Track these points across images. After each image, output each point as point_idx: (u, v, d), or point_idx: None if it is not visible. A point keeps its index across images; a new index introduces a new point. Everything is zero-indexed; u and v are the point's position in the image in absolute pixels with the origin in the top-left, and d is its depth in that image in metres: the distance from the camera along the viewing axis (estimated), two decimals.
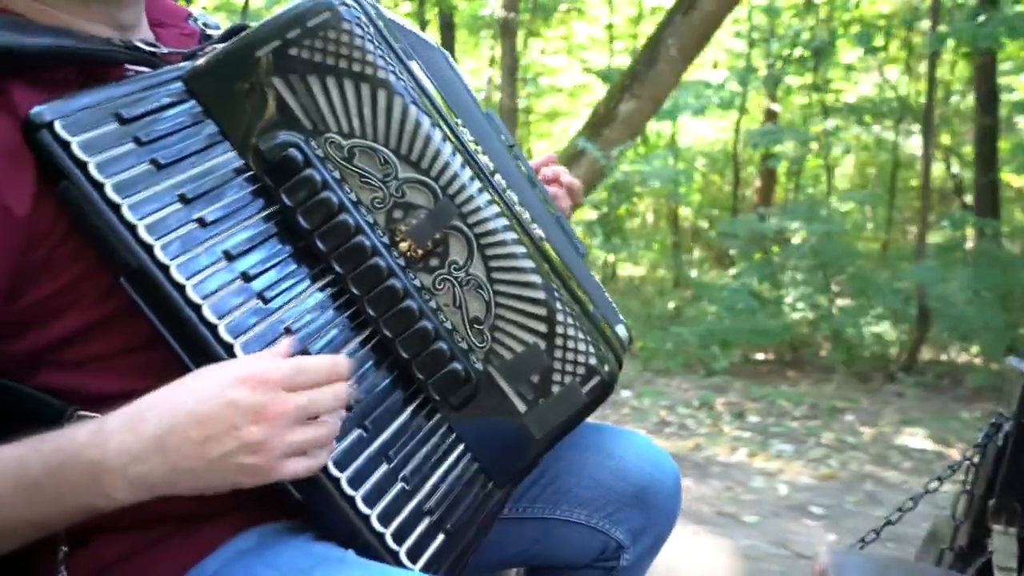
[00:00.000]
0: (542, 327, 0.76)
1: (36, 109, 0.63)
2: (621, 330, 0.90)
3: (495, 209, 0.77)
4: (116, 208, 0.63)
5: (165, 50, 0.76)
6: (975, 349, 5.01)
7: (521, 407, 0.77)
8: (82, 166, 0.63)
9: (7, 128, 0.64)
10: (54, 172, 0.63)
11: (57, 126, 0.63)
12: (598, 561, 0.91)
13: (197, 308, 0.64)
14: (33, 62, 0.68)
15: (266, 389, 0.61)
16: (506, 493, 0.79)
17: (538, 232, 0.83)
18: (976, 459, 1.14)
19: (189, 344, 0.65)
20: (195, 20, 0.87)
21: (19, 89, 0.66)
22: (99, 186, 0.63)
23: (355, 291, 0.73)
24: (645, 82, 4.15)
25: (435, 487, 0.73)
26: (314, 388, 0.63)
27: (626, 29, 8.03)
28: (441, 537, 0.72)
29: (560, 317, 0.77)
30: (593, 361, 0.77)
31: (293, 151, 0.72)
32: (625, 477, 0.90)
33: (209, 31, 0.86)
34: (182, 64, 0.75)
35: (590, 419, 0.86)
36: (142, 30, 0.80)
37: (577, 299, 0.81)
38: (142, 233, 0.64)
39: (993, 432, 1.11)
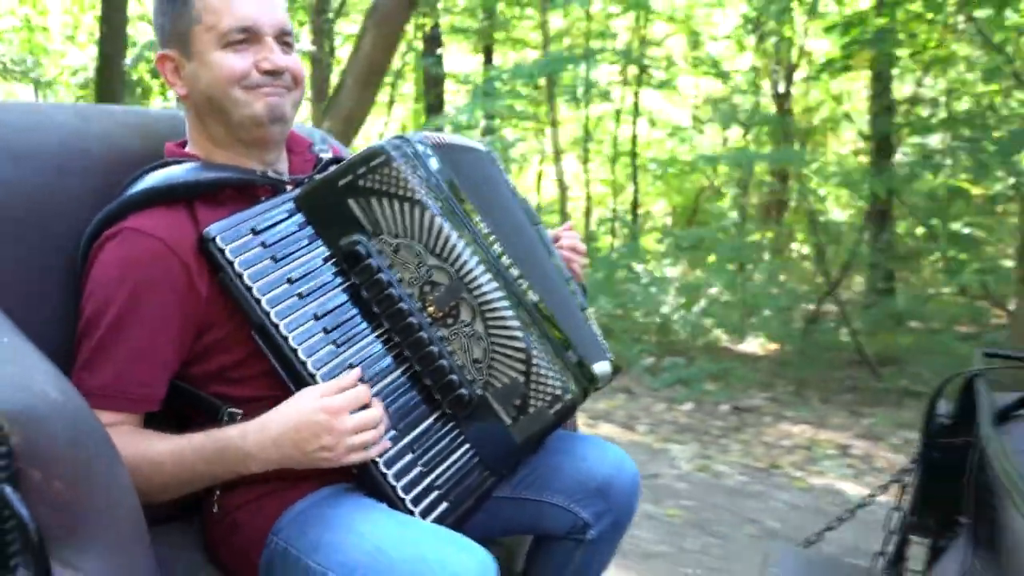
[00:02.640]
0: (521, 367, 1.13)
1: (206, 229, 1.07)
2: (601, 366, 1.24)
3: (494, 285, 1.14)
4: (249, 289, 1.07)
5: (287, 178, 1.19)
6: None
7: (508, 420, 1.13)
8: (231, 264, 1.07)
9: (195, 236, 1.08)
10: (216, 266, 1.07)
11: (218, 239, 1.07)
12: (571, 534, 1.26)
13: (295, 351, 1.07)
14: (207, 189, 1.13)
15: (333, 414, 1.02)
16: (498, 480, 1.17)
17: (532, 297, 1.19)
18: (907, 479, 1.37)
19: (290, 372, 1.07)
20: (313, 148, 1.30)
21: (200, 207, 1.12)
22: (240, 276, 1.07)
23: (397, 339, 1.13)
24: (334, 109, 5.33)
25: (444, 471, 1.12)
26: (363, 411, 1.03)
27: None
28: (445, 504, 1.11)
29: (535, 360, 1.13)
30: (559, 392, 1.13)
31: (359, 247, 1.13)
32: (590, 475, 1.25)
33: (321, 156, 1.28)
34: (296, 189, 1.17)
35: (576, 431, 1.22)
36: (280, 161, 1.24)
37: (554, 345, 1.17)
38: (264, 304, 1.07)
39: (916, 459, 1.33)
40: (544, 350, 1.14)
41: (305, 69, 1.23)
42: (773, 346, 5.87)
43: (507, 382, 1.13)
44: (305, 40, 7.24)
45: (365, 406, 1.05)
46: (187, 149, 1.21)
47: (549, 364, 1.14)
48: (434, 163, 1.19)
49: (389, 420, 1.09)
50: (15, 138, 1.17)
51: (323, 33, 7.32)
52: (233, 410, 1.11)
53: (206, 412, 1.12)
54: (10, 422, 0.60)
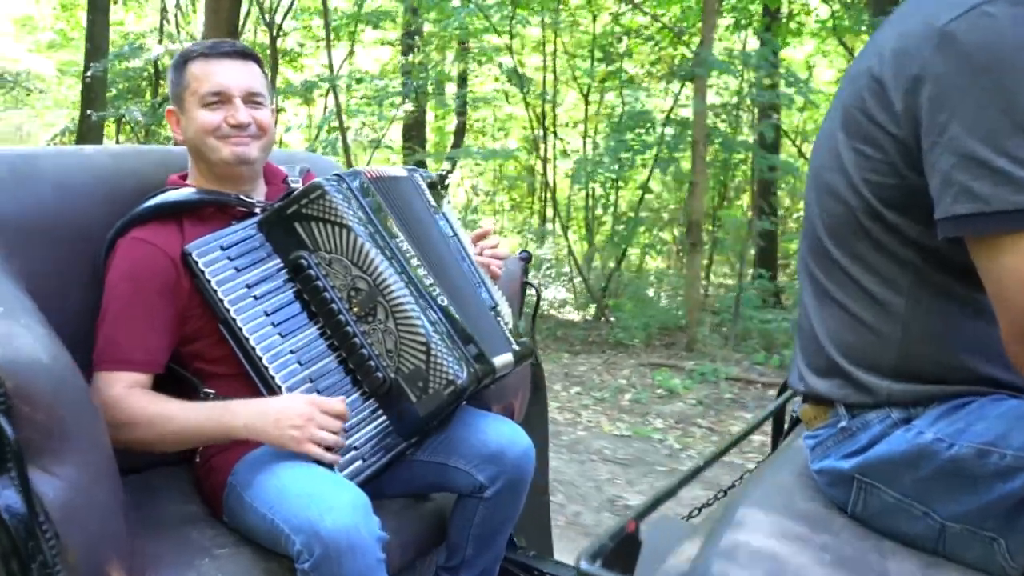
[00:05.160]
0: (423, 356, 1.48)
1: (186, 246, 1.48)
2: (502, 358, 1.58)
3: (404, 291, 1.49)
4: (215, 291, 1.47)
5: (255, 201, 1.59)
6: None
7: (413, 398, 1.49)
8: (202, 272, 1.47)
9: (182, 244, 1.49)
10: (193, 274, 1.48)
11: (194, 254, 1.48)
12: (473, 493, 1.60)
13: (247, 339, 1.46)
14: (192, 207, 1.54)
15: (310, 408, 1.40)
16: (408, 444, 1.52)
17: (442, 301, 1.54)
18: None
19: (244, 353, 1.47)
20: (286, 180, 1.70)
21: (187, 222, 1.53)
22: (208, 282, 1.47)
23: (329, 332, 1.51)
24: None
25: (362, 436, 1.49)
26: (330, 416, 1.41)
27: None
28: (360, 461, 1.47)
29: (434, 351, 1.47)
30: (452, 376, 1.47)
31: (302, 260, 1.51)
32: (486, 444, 1.58)
33: (292, 186, 1.67)
34: (261, 213, 1.57)
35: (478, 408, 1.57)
36: (257, 188, 1.64)
37: (456, 340, 1.51)
38: (226, 303, 1.47)
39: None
40: (444, 344, 1.49)
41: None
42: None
43: (413, 368, 1.49)
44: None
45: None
46: (188, 180, 1.63)
47: (446, 355, 1.48)
48: (365, 194, 1.56)
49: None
50: (60, 174, 1.61)
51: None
52: (208, 390, 1.51)
53: (189, 388, 1.53)
54: (5, 374, 1.01)
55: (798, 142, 10.20)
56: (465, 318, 1.57)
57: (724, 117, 7.65)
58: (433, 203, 1.70)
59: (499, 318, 1.66)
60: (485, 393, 1.82)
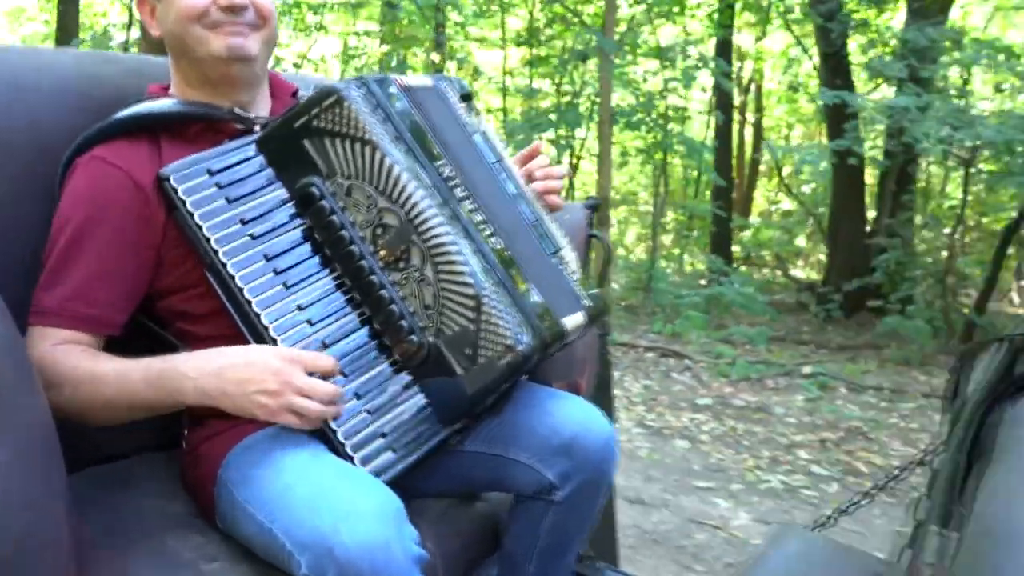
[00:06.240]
0: (471, 314, 1.13)
1: (162, 170, 1.14)
2: (572, 319, 1.23)
3: (444, 228, 1.14)
4: (200, 228, 1.13)
5: (253, 116, 1.25)
6: None
7: (459, 370, 1.14)
8: (183, 203, 1.13)
9: (157, 168, 1.15)
10: (170, 205, 1.14)
11: (172, 179, 1.14)
12: (539, 494, 1.25)
13: (240, 291, 1.12)
14: (172, 120, 1.21)
15: (289, 364, 1.05)
16: (452, 431, 1.18)
17: (495, 244, 1.19)
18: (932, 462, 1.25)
19: (237, 309, 1.13)
20: (296, 94, 1.35)
21: (165, 141, 1.19)
22: (191, 215, 1.13)
23: (348, 282, 1.17)
24: None
25: (392, 419, 1.14)
26: (317, 377, 1.05)
27: None
28: (389, 453, 1.13)
29: (485, 307, 1.12)
30: (510, 341, 1.12)
31: (313, 188, 1.17)
32: (556, 431, 1.23)
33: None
34: (259, 130, 1.23)
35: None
36: (259, 102, 1.29)
37: (515, 295, 1.16)
38: (213, 244, 1.13)
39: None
40: (499, 298, 1.14)
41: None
42: None
43: (457, 329, 1.14)
44: None
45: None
46: (170, 91, 1.29)
47: (502, 313, 1.13)
48: (396, 104, 1.21)
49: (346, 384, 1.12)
50: (18, 73, 1.28)
51: None
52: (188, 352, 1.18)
53: (164, 348, 1.20)
54: None
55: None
56: (525, 265, 1.22)
57: (643, 101, 8.14)
58: (468, 120, 1.34)
59: (563, 265, 1.31)
60: (546, 367, 1.47)
